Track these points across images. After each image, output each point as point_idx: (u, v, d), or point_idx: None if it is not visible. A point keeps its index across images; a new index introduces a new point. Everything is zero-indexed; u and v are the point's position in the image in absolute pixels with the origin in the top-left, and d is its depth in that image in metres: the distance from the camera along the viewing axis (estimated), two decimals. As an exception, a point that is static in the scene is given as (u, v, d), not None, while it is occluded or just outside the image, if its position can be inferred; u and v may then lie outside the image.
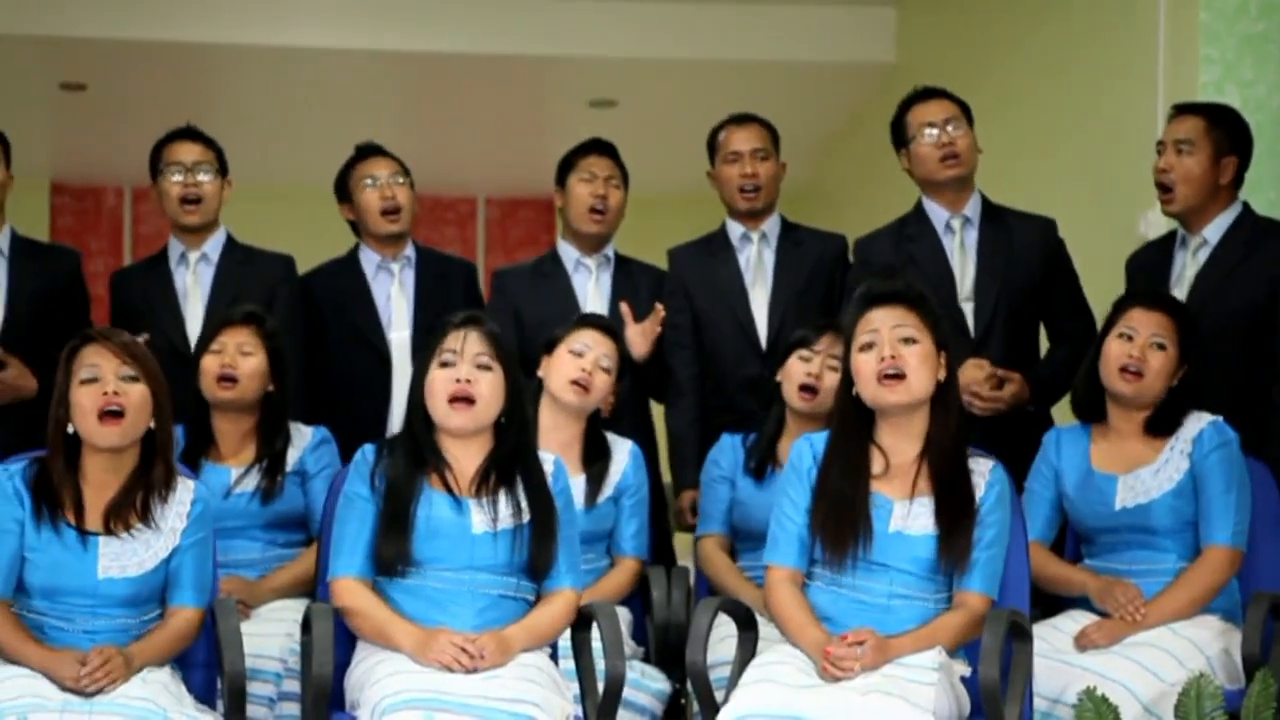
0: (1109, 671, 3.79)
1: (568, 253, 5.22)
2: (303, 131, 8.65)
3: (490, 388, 3.72)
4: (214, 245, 5.10)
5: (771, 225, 5.19)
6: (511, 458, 3.75)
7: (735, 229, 5.19)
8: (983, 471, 3.70)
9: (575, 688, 3.76)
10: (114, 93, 8.18)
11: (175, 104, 8.22)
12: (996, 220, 4.85)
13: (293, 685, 4.09)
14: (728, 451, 4.64)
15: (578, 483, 4.34)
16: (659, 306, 4.97)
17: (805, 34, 7.68)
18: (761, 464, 4.54)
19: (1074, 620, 4.05)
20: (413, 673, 3.48)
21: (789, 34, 7.67)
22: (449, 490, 3.71)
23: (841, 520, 3.64)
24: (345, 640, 3.70)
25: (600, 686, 3.72)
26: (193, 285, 5.07)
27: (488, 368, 3.72)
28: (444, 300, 5.07)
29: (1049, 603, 4.19)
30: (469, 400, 3.70)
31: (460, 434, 3.73)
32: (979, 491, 3.67)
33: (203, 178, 5.04)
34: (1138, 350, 4.12)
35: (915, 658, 3.48)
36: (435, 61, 7.80)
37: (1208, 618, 4.01)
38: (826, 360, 4.49)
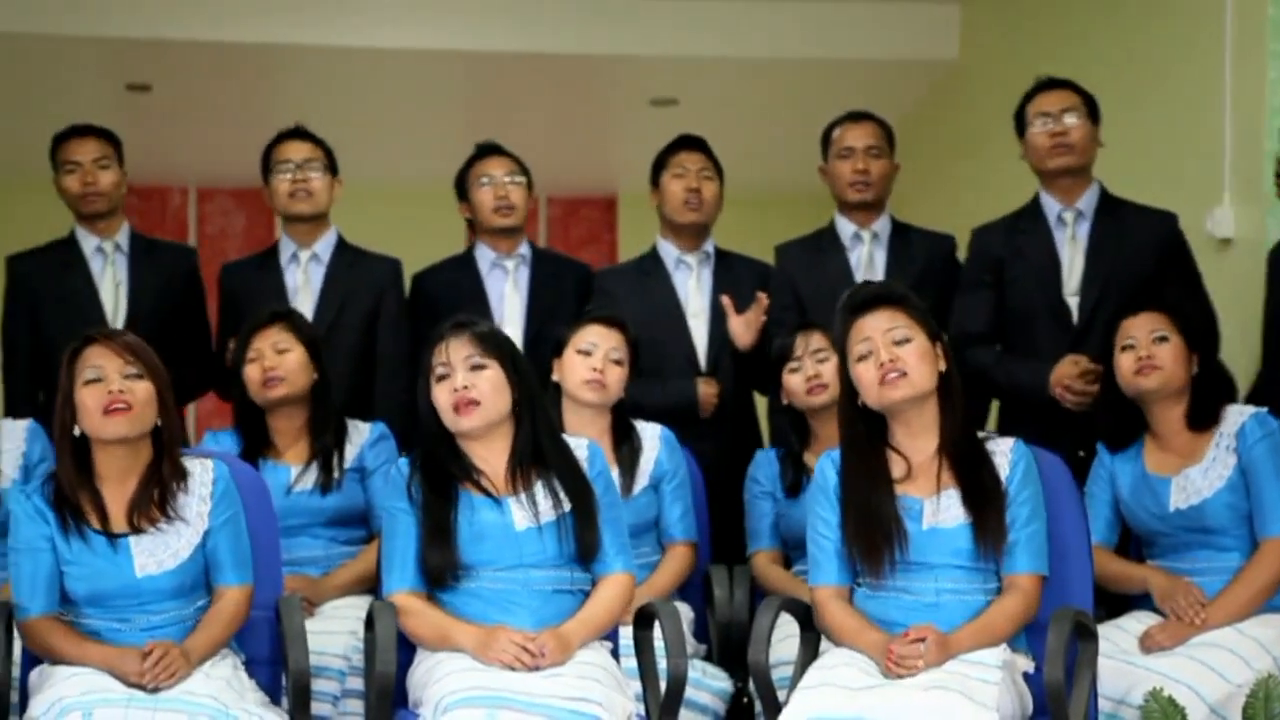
0: (1174, 673, 3.76)
1: (667, 251, 5.23)
2: (364, 132, 8.67)
3: (490, 384, 3.72)
4: (325, 245, 5.17)
5: (882, 225, 5.18)
6: (537, 445, 3.75)
7: (846, 227, 5.18)
8: (1004, 451, 3.69)
9: (637, 686, 3.76)
10: (179, 94, 8.22)
11: (240, 105, 8.30)
12: (1114, 213, 4.82)
13: (356, 682, 4.11)
14: (764, 466, 4.66)
15: (612, 476, 4.34)
16: (761, 296, 4.98)
17: (868, 31, 7.64)
18: (796, 480, 4.55)
19: (1138, 621, 4.03)
20: (475, 671, 3.49)
21: (851, 32, 7.64)
22: (486, 493, 3.72)
23: (871, 529, 3.63)
24: (408, 638, 3.70)
25: (662, 685, 3.72)
26: (303, 283, 5.13)
27: (482, 367, 3.72)
28: (556, 300, 5.11)
29: (1113, 603, 4.16)
30: (472, 403, 3.70)
31: (477, 436, 3.74)
32: (1003, 472, 3.66)
33: (312, 174, 5.11)
34: (1144, 351, 4.14)
35: (979, 655, 3.47)
36: (496, 61, 7.81)
37: (1273, 616, 3.97)
38: (813, 357, 4.54)
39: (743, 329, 4.98)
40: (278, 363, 4.48)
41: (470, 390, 3.69)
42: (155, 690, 3.41)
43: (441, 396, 3.72)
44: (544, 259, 5.36)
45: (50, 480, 3.67)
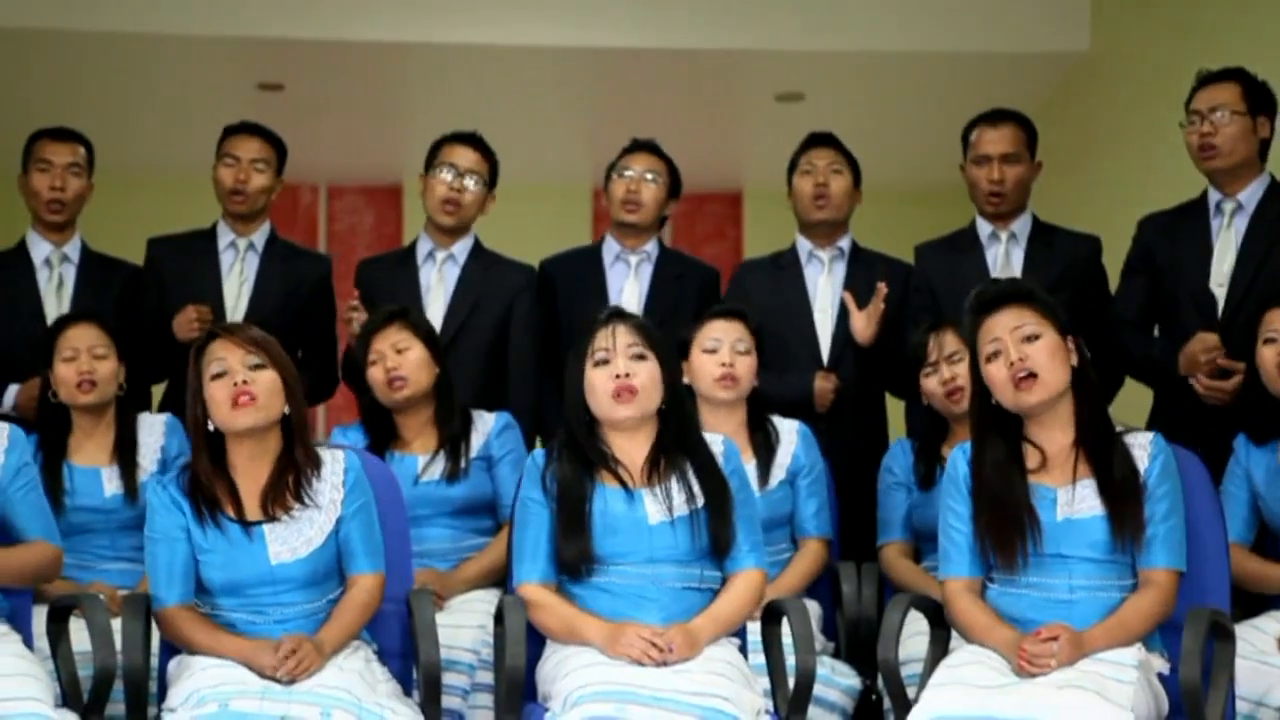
0: (1314, 673, 3.70)
1: (802, 246, 5.24)
2: (492, 128, 8.72)
3: (649, 376, 3.73)
4: (462, 247, 5.22)
5: (1022, 224, 5.13)
6: (677, 443, 3.75)
7: (984, 226, 5.14)
8: (1143, 445, 3.64)
9: (765, 682, 3.74)
10: (310, 92, 8.32)
11: (369, 103, 8.38)
12: (1275, 207, 4.73)
13: (485, 676, 4.14)
14: (899, 457, 4.63)
15: (749, 470, 4.34)
16: (880, 287, 4.95)
17: (997, 24, 7.56)
18: (929, 472, 4.51)
19: (1276, 621, 3.97)
20: (604, 665, 3.49)
21: (980, 24, 7.56)
22: (621, 484, 3.73)
23: (1004, 520, 3.59)
24: (537, 632, 3.72)
25: (790, 682, 3.71)
26: (436, 282, 5.17)
27: (643, 357, 3.74)
28: (677, 300, 5.12)
29: (1249, 603, 4.09)
30: (632, 391, 3.71)
31: (626, 426, 3.75)
32: (1142, 465, 3.60)
33: (469, 184, 5.15)
34: None
35: (1114, 654, 3.42)
36: (622, 57, 7.82)
37: None
38: (948, 361, 4.52)
39: (862, 324, 4.96)
40: (399, 363, 4.52)
41: (632, 378, 3.71)
42: (290, 682, 3.44)
43: (599, 380, 3.73)
44: (669, 258, 5.36)
45: (185, 470, 3.72)
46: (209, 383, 3.66)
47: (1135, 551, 3.56)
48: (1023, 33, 7.63)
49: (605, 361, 3.73)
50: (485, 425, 4.62)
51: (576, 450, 3.76)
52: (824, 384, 5.01)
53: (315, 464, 3.73)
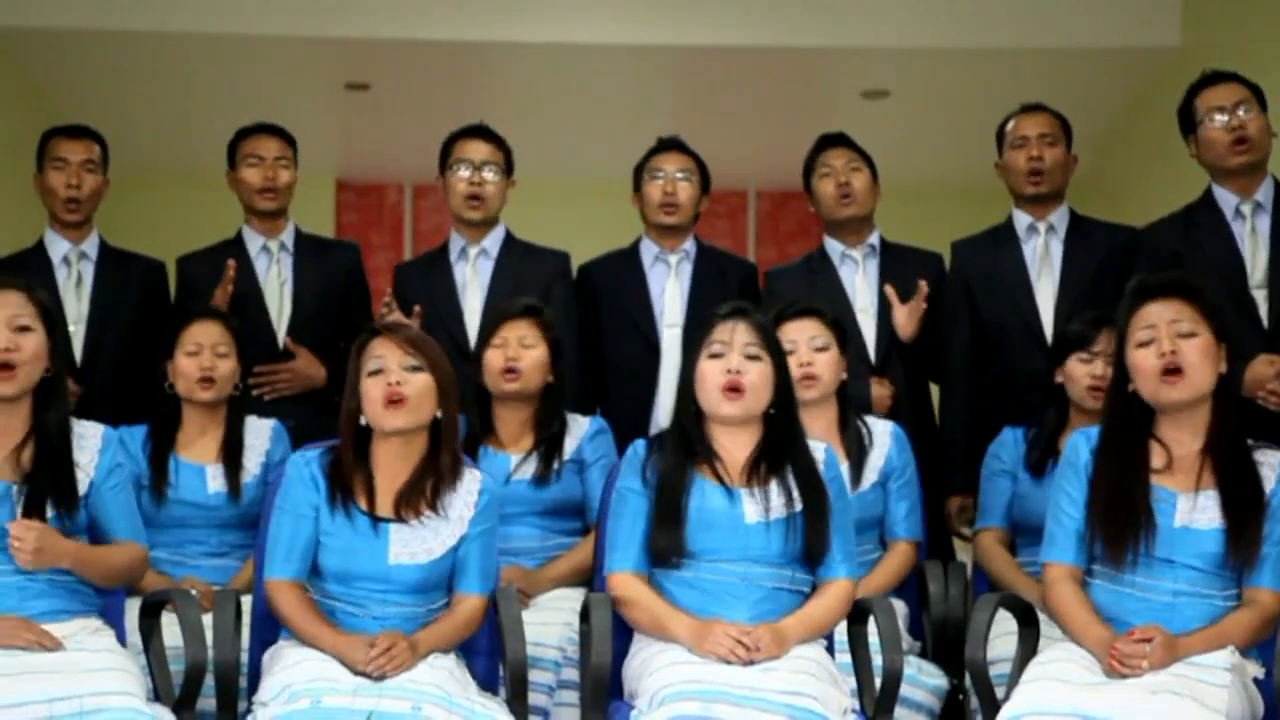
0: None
1: (833, 247, 5.22)
2: (578, 127, 8.75)
3: (760, 377, 3.72)
4: (493, 241, 5.21)
5: (1060, 217, 5.09)
6: (781, 447, 3.75)
7: (1022, 219, 5.10)
8: (1272, 464, 3.59)
9: (851, 682, 3.73)
10: (397, 92, 8.36)
11: (456, 102, 8.39)
12: None
13: (571, 673, 4.14)
14: (1009, 445, 4.58)
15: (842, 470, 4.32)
16: (922, 284, 4.93)
17: (1085, 19, 7.50)
18: (1042, 459, 4.46)
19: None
20: (690, 664, 3.49)
21: (1067, 19, 7.50)
22: (720, 481, 3.72)
23: (1120, 516, 3.55)
24: (623, 630, 3.73)
25: (877, 681, 3.69)
26: (472, 279, 5.18)
27: (757, 358, 3.73)
28: (719, 297, 5.09)
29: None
30: (740, 390, 3.70)
31: (731, 423, 3.74)
32: (1268, 484, 3.55)
33: (488, 175, 5.15)
34: None
35: (1207, 657, 3.39)
36: (708, 55, 7.82)
37: None
38: (1108, 359, 4.40)
39: (905, 319, 4.95)
40: (520, 355, 4.53)
41: (743, 376, 3.70)
42: (380, 679, 3.46)
43: (711, 372, 3.73)
44: (708, 256, 5.34)
45: (330, 452, 3.75)
46: (365, 378, 3.69)
47: (1245, 569, 3.52)
48: (1112, 28, 7.56)
49: (720, 355, 3.73)
50: (579, 429, 4.63)
51: (680, 442, 3.75)
52: (881, 390, 4.99)
53: (457, 473, 3.75)
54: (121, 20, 7.35)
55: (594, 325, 5.21)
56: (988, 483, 4.59)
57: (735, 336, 3.74)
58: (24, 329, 3.65)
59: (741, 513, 3.69)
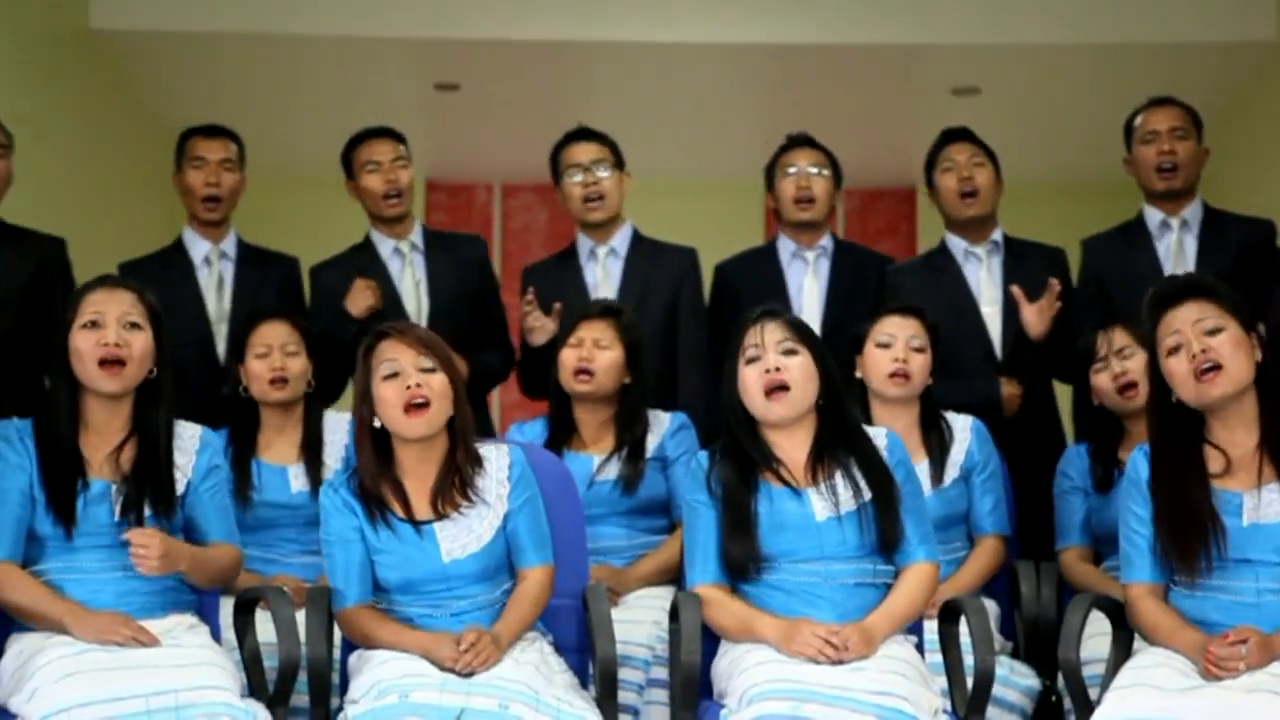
0: None
1: (955, 244, 5.19)
2: (666, 126, 8.75)
3: (801, 371, 3.71)
4: (621, 240, 5.24)
5: (1193, 211, 5.04)
6: (838, 438, 3.73)
7: (1154, 216, 5.06)
8: None
9: (942, 681, 3.71)
10: (486, 92, 8.40)
11: (544, 101, 8.43)
12: None
13: (661, 672, 4.15)
14: (1075, 461, 4.57)
15: (922, 467, 4.30)
16: (1053, 283, 4.89)
17: (1179, 13, 7.41)
18: (1106, 473, 4.44)
19: None
20: (780, 663, 3.48)
21: (1161, 14, 7.41)
22: (785, 483, 3.71)
23: (1186, 527, 3.50)
24: (711, 629, 3.72)
25: (969, 681, 3.67)
26: (602, 279, 5.21)
27: (794, 352, 3.72)
28: (857, 292, 5.10)
29: None
30: (784, 388, 3.69)
31: (782, 423, 3.73)
32: None
33: (601, 174, 5.17)
34: None
35: (1304, 655, 3.33)
36: (797, 53, 7.79)
37: None
38: (1118, 356, 4.46)
39: (1035, 318, 4.90)
40: (594, 356, 4.55)
41: (783, 373, 3.69)
42: (468, 675, 3.47)
43: (751, 378, 3.72)
44: (846, 251, 5.33)
45: (355, 474, 3.77)
46: (379, 382, 3.69)
47: None
48: (1206, 23, 7.47)
49: (756, 358, 3.73)
50: (660, 425, 4.63)
51: (738, 451, 3.75)
52: (1011, 390, 4.96)
53: (477, 463, 3.76)
54: (212, 23, 7.42)
55: (730, 323, 5.20)
56: (1061, 501, 4.56)
57: (767, 337, 3.73)
58: (134, 326, 3.69)
59: (811, 511, 3.68)
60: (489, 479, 3.76)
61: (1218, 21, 7.44)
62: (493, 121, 8.80)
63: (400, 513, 3.71)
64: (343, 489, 3.74)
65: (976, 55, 7.80)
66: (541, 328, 5.01)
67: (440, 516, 3.71)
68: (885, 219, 10.43)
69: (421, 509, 3.72)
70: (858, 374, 4.50)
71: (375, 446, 3.73)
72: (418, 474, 3.74)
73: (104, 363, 3.64)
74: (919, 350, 4.48)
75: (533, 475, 3.81)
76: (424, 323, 5.14)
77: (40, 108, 5.32)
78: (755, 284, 5.20)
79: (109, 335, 3.65)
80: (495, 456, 3.79)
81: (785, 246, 5.29)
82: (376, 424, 3.72)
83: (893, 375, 4.45)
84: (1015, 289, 4.95)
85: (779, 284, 5.22)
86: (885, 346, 4.48)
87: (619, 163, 5.23)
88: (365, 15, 7.44)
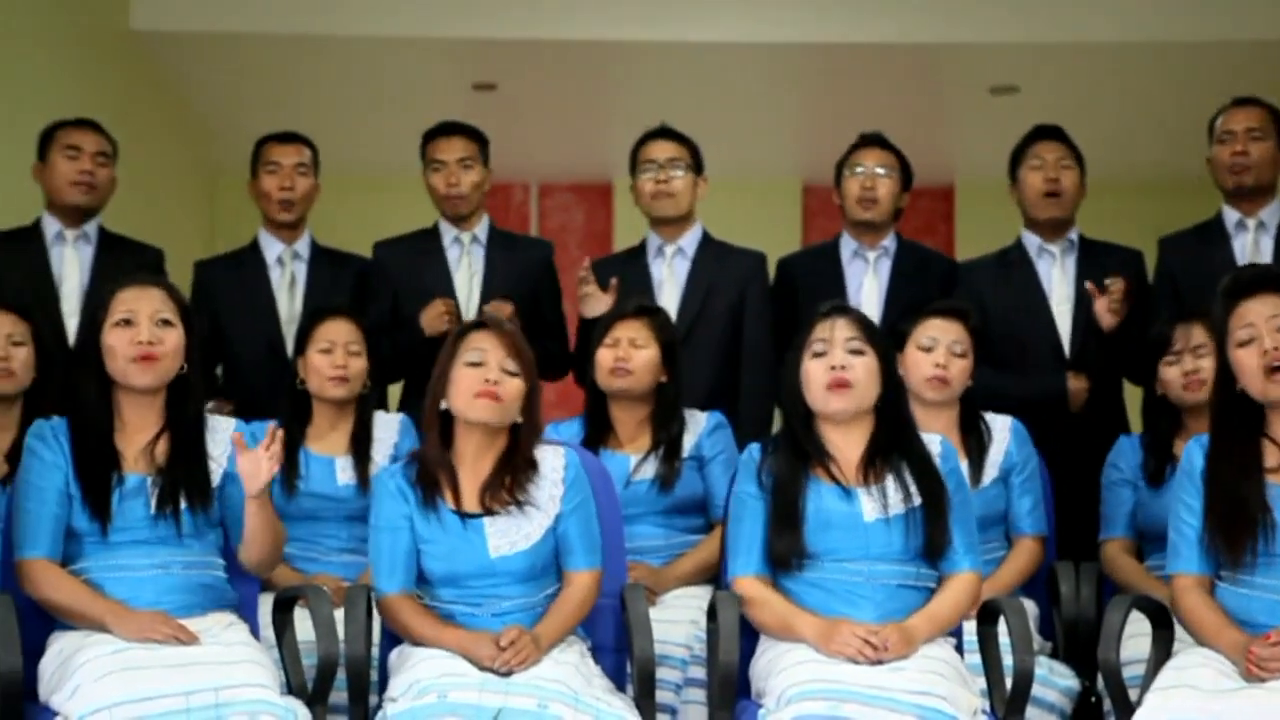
0: None
1: (1030, 241, 5.18)
2: (705, 126, 8.72)
3: (865, 371, 3.71)
4: (690, 240, 5.26)
5: (1271, 213, 5.04)
6: (894, 441, 3.72)
7: (1231, 215, 5.05)
8: None
9: (981, 682, 3.70)
10: (523, 92, 8.41)
11: (580, 101, 8.44)
12: None
13: (698, 672, 4.15)
14: (1126, 453, 4.54)
15: (961, 468, 4.28)
16: (1118, 280, 4.87)
17: (1221, 9, 7.37)
18: (1160, 466, 4.42)
19: None
20: (818, 663, 3.48)
21: (1204, 11, 7.37)
22: (836, 481, 3.71)
23: (1236, 519, 3.49)
24: (750, 628, 3.72)
25: (1008, 682, 3.66)
26: (668, 276, 5.22)
27: (860, 352, 3.71)
28: (917, 292, 5.09)
29: None
30: (846, 385, 3.69)
31: (841, 420, 3.73)
32: None
33: (674, 174, 5.18)
34: None
35: (1347, 657, 3.31)
36: (834, 52, 7.78)
37: None
38: (1193, 353, 4.43)
39: (1106, 313, 4.89)
40: (629, 355, 4.55)
41: (846, 372, 3.69)
42: (507, 674, 3.48)
43: (816, 371, 3.72)
44: (908, 251, 5.32)
45: (413, 462, 3.79)
46: (461, 367, 3.72)
47: None
48: (1251, 19, 7.42)
49: (823, 353, 3.72)
50: (697, 424, 4.63)
51: (792, 444, 3.75)
52: (1078, 384, 4.95)
53: (531, 469, 3.77)
54: (251, 24, 7.45)
55: (791, 321, 5.21)
56: (1109, 492, 4.54)
57: (836, 333, 3.73)
58: (166, 323, 3.72)
59: (860, 511, 3.67)
60: (543, 479, 3.77)
61: (1263, 19, 7.38)
62: (530, 121, 8.81)
63: (450, 503, 3.73)
64: (398, 475, 3.76)
65: (1014, 54, 7.78)
66: (597, 298, 5.02)
67: (489, 512, 3.72)
68: (923, 218, 10.40)
69: (470, 502, 3.73)
70: (900, 371, 4.48)
71: (442, 429, 3.75)
72: (473, 466, 3.75)
73: (137, 358, 3.67)
74: (960, 355, 4.47)
75: (586, 480, 3.82)
76: (471, 315, 5.18)
77: (81, 108, 5.36)
78: (814, 281, 5.22)
79: (142, 332, 3.67)
80: (550, 458, 3.80)
81: (847, 245, 5.30)
82: (443, 406, 3.73)
83: (931, 379, 4.44)
84: (1089, 284, 4.93)
85: (838, 282, 5.23)
86: (927, 350, 4.47)
87: (696, 166, 5.26)
88: (402, 15, 7.46)
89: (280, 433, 3.64)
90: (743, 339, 5.15)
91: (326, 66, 7.96)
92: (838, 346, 3.72)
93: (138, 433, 3.73)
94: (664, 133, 5.27)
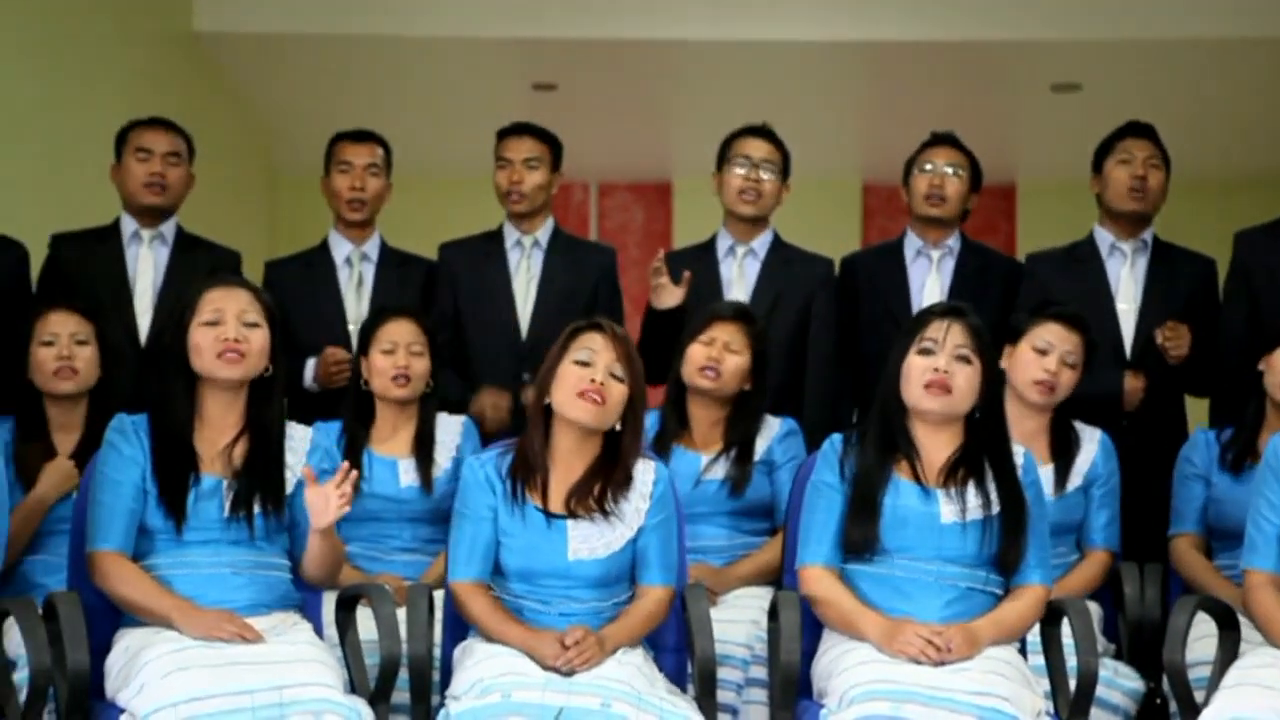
0: None
1: (1103, 237, 5.15)
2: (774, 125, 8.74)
3: (967, 381, 3.69)
4: (762, 242, 5.24)
5: None
6: (983, 450, 3.71)
7: None
8: None
9: (1045, 684, 3.68)
10: (583, 91, 8.42)
11: (642, 102, 8.45)
12: None
13: (759, 672, 4.14)
14: (1201, 448, 4.49)
15: (1045, 472, 4.26)
16: (1183, 330, 4.84)
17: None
18: (1239, 457, 4.37)
19: None
20: (880, 663, 3.47)
21: (1269, 5, 7.30)
22: (917, 480, 3.70)
23: None
24: (812, 628, 3.71)
25: (1071, 683, 3.64)
26: (737, 277, 5.21)
27: (967, 360, 3.70)
28: (981, 292, 5.06)
29: None
30: (946, 389, 3.68)
31: (933, 420, 3.71)
32: None
33: (765, 175, 5.18)
34: None
35: None
36: (895, 50, 7.76)
37: None
38: None
39: (1171, 349, 4.86)
40: (722, 359, 4.54)
41: (949, 377, 3.68)
42: (569, 673, 3.48)
43: (918, 367, 3.70)
44: (973, 252, 5.29)
45: (507, 451, 3.79)
46: (568, 364, 3.72)
47: None
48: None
49: (930, 352, 3.71)
50: (769, 430, 4.62)
51: (881, 435, 3.73)
52: (1134, 383, 4.91)
53: (626, 483, 3.76)
54: (313, 25, 7.49)
55: (853, 319, 5.19)
56: (1180, 487, 4.50)
57: (948, 337, 3.71)
58: (252, 324, 3.74)
59: (937, 512, 3.66)
60: (632, 492, 3.77)
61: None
62: (590, 121, 8.82)
63: (537, 500, 3.73)
64: (489, 464, 3.77)
65: (1077, 51, 7.74)
66: (669, 290, 5.02)
67: (574, 515, 3.73)
68: (984, 217, 10.34)
69: (557, 502, 3.74)
70: (1003, 364, 4.44)
71: (545, 425, 3.76)
72: (566, 465, 3.76)
73: (223, 353, 3.70)
74: (1071, 366, 4.44)
75: (673, 497, 3.82)
76: (527, 318, 5.21)
77: (144, 110, 5.39)
78: (878, 279, 5.21)
79: (228, 331, 3.70)
80: (641, 471, 3.80)
81: (911, 243, 5.27)
82: (546, 401, 3.74)
83: (1039, 383, 4.41)
84: (1157, 334, 4.88)
85: (901, 280, 5.21)
86: (1041, 352, 4.43)
87: (785, 171, 5.24)
88: (463, 16, 7.49)
89: (354, 474, 3.65)
90: (808, 344, 5.13)
91: (387, 67, 8.00)
92: (946, 350, 3.70)
93: (217, 433, 3.75)
94: (763, 132, 5.25)
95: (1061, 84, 8.23)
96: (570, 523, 3.72)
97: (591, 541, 3.72)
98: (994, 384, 3.74)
